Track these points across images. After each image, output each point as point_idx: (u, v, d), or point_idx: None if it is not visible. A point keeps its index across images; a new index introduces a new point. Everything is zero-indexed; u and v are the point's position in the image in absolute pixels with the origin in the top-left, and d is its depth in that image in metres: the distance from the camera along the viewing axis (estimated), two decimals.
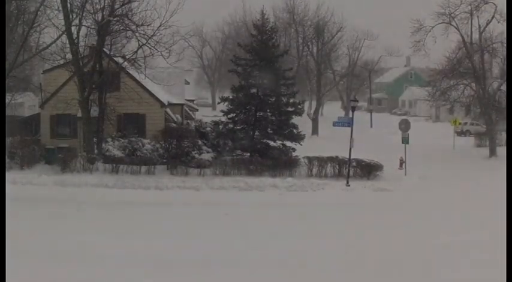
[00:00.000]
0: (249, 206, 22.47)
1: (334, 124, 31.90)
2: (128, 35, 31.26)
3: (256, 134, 31.86)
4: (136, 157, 29.66)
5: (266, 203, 23.29)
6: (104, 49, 30.87)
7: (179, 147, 30.16)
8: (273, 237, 16.42)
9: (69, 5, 29.81)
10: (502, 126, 39.64)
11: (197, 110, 49.35)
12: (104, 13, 29.96)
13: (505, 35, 36.81)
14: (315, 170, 29.42)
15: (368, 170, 29.36)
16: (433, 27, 39.70)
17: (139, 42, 30.02)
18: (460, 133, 51.50)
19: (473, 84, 39.89)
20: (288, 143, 31.74)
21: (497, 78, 41.15)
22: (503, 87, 37.60)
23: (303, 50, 59.47)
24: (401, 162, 32.18)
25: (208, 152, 31.08)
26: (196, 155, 30.39)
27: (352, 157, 28.68)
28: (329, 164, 29.52)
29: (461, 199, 23.99)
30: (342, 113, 66.85)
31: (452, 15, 38.96)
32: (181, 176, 28.39)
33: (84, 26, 30.56)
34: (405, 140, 32.30)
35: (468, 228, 17.81)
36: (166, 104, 33.94)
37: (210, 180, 27.60)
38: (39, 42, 37.52)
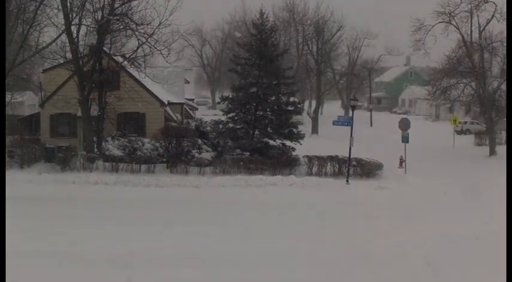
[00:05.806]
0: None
1: (334, 123, 31.89)
2: (127, 34, 31.30)
3: (256, 133, 31.83)
4: (136, 156, 29.66)
5: (267, 202, 23.40)
6: (104, 48, 30.86)
7: (179, 146, 30.13)
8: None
9: (69, 4, 29.85)
10: (502, 125, 39.66)
11: (197, 109, 49.41)
12: (104, 12, 29.99)
13: (505, 34, 36.82)
14: (314, 169, 29.40)
15: (368, 168, 29.34)
16: (433, 26, 39.72)
17: (139, 41, 30.01)
18: (460, 132, 51.54)
19: (473, 83, 39.89)
20: (288, 142, 31.74)
21: (497, 77, 41.09)
22: (503, 86, 37.57)
23: (302, 49, 59.52)
24: (401, 161, 32.21)
25: (208, 151, 31.06)
26: (196, 154, 30.37)
27: (352, 156, 28.68)
28: (329, 163, 29.50)
29: (462, 198, 23.98)
30: (342, 112, 66.88)
31: (452, 14, 38.97)
32: (181, 175, 28.39)
33: (84, 25, 30.61)
34: (405, 139, 32.28)
35: (468, 227, 17.81)
36: (166, 103, 33.94)
37: (210, 178, 27.61)
38: (39, 41, 37.53)
